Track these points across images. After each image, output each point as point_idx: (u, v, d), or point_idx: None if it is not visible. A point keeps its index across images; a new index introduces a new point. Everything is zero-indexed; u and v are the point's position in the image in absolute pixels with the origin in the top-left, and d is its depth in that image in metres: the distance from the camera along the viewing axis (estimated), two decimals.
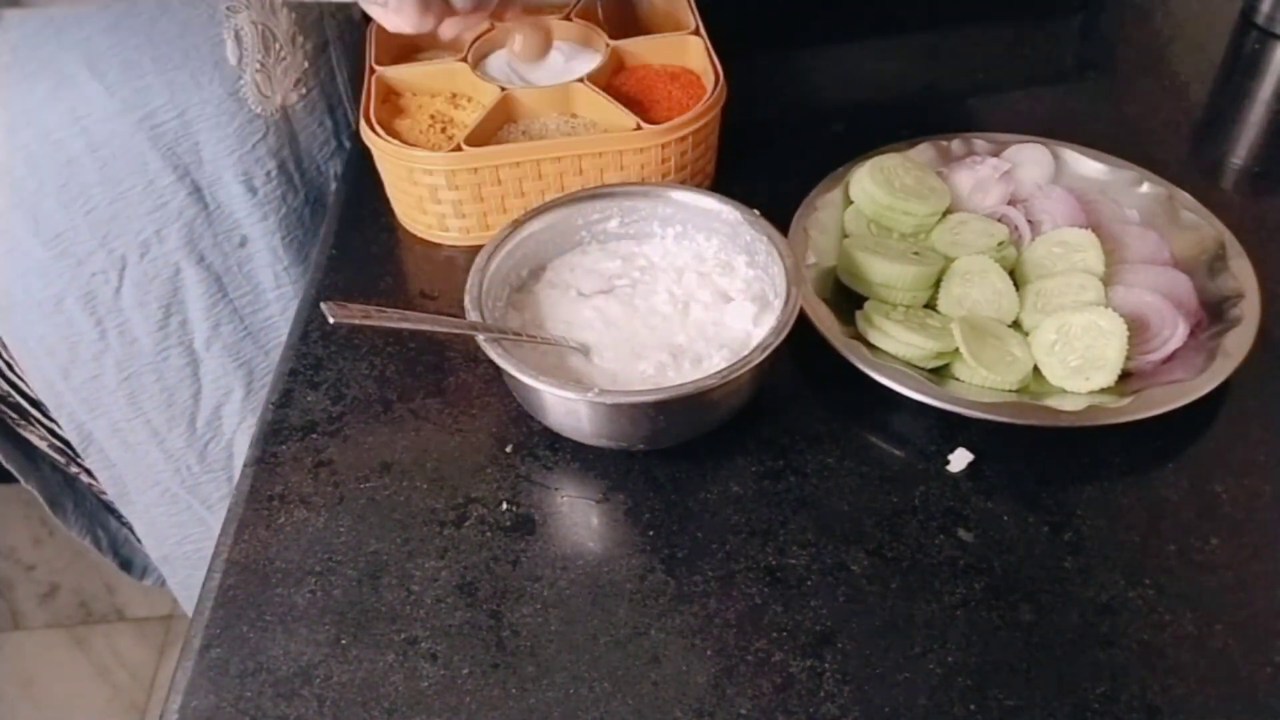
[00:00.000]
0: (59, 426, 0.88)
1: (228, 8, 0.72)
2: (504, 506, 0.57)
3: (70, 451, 0.91)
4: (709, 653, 0.51)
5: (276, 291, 0.83)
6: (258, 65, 0.74)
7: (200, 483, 0.90)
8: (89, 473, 0.92)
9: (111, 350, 0.80)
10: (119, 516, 1.00)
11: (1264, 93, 0.88)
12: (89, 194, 0.73)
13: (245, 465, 0.60)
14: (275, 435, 0.61)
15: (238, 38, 0.72)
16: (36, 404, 0.87)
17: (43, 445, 0.92)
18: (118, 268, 0.77)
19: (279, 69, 0.76)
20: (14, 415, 0.89)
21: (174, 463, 0.88)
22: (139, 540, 1.01)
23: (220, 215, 0.78)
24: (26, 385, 0.85)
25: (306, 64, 0.79)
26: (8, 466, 0.91)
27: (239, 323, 0.83)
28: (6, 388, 0.86)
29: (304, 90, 0.80)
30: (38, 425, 0.89)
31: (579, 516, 0.57)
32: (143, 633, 1.72)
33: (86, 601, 1.75)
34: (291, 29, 0.76)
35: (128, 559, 1.06)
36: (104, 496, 0.97)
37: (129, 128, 0.71)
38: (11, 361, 0.83)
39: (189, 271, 0.79)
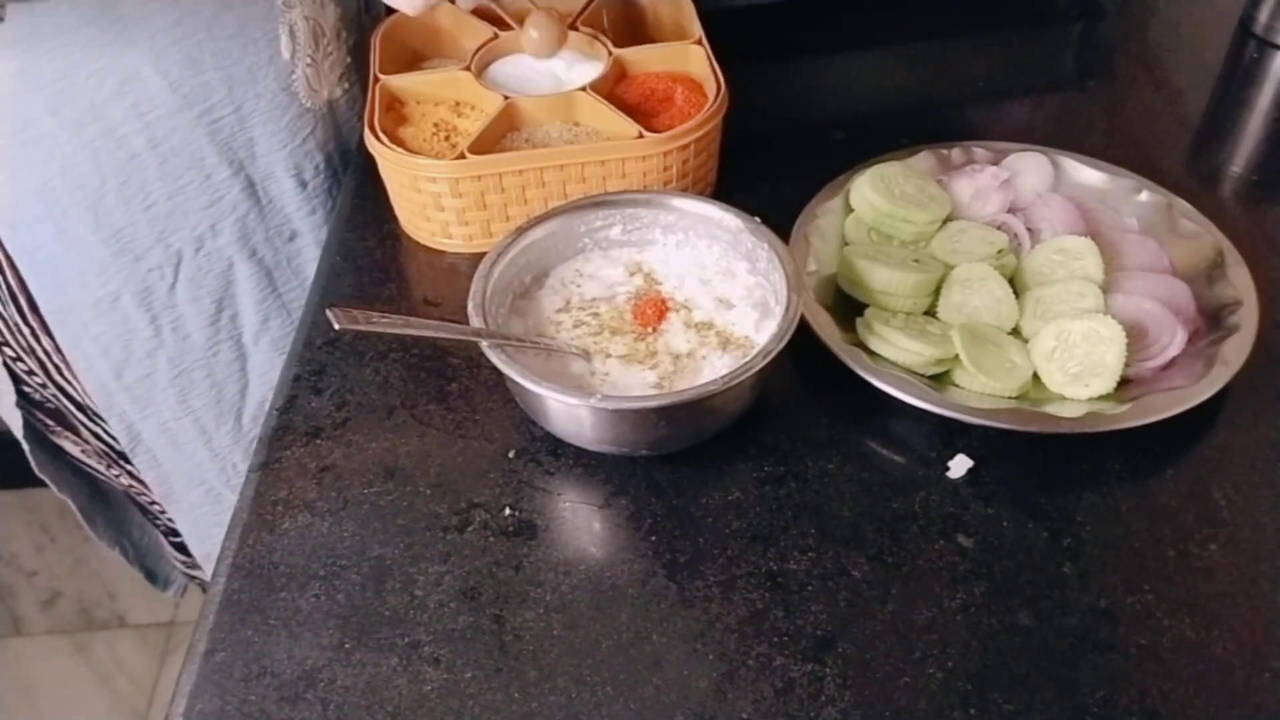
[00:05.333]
0: (104, 430, 0.88)
1: (284, 3, 0.73)
2: (507, 512, 0.58)
3: (112, 455, 0.91)
4: (710, 657, 0.51)
5: None
6: (308, 60, 0.76)
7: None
8: (132, 475, 0.92)
9: (165, 346, 0.82)
10: (154, 519, 1.00)
11: (1262, 102, 0.89)
12: (149, 190, 0.74)
13: (250, 470, 0.60)
14: (280, 440, 0.62)
15: (292, 33, 0.74)
16: (83, 408, 0.88)
17: (76, 451, 0.93)
18: (173, 263, 0.78)
19: (326, 63, 0.78)
20: (49, 422, 0.90)
21: (220, 460, 0.89)
22: (175, 547, 1.02)
23: (272, 210, 0.80)
24: (75, 388, 0.86)
25: (349, 59, 0.81)
26: (41, 475, 0.92)
27: (286, 316, 0.85)
28: (54, 392, 0.87)
29: (347, 85, 0.82)
30: (83, 429, 0.90)
31: (581, 522, 0.58)
32: (144, 639, 1.72)
33: (88, 608, 1.75)
34: (337, 24, 0.78)
35: (152, 570, 1.07)
36: (141, 498, 0.97)
37: (189, 123, 0.73)
38: (61, 365, 0.84)
39: (241, 266, 0.80)
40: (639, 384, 0.59)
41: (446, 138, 0.74)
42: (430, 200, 0.71)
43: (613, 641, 0.52)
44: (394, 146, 0.70)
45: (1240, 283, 0.65)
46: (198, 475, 0.90)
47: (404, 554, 0.56)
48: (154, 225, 0.76)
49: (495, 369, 0.56)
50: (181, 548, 1.01)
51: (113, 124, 0.71)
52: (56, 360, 0.83)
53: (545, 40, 0.75)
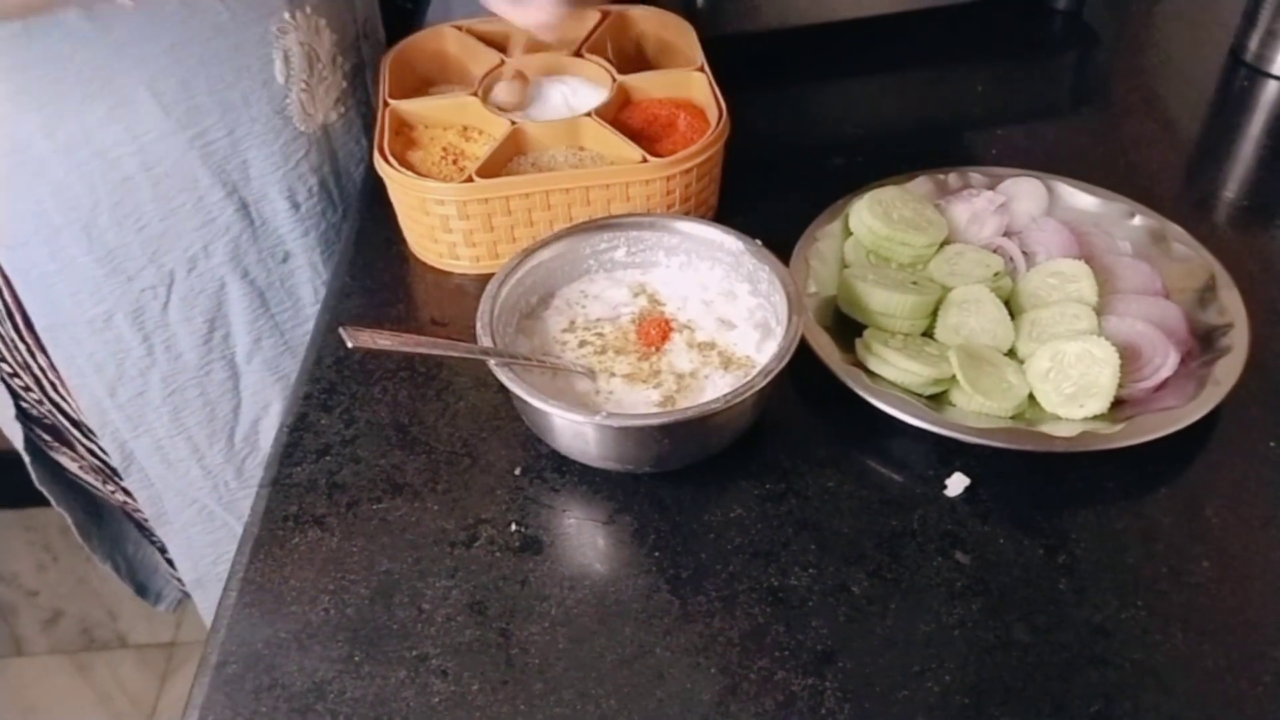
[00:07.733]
0: (99, 448, 0.89)
1: (278, 29, 0.74)
2: (513, 527, 0.59)
3: (107, 471, 0.92)
4: (713, 671, 0.52)
5: (316, 306, 0.84)
6: (303, 85, 0.77)
7: (237, 498, 0.92)
8: (127, 491, 0.93)
9: (158, 365, 0.82)
10: (150, 535, 1.01)
11: (1253, 128, 0.90)
12: (141, 211, 0.75)
13: (260, 486, 0.61)
14: (290, 457, 0.63)
15: (286, 58, 0.75)
16: (78, 425, 0.88)
17: (74, 467, 0.93)
18: (166, 283, 0.79)
19: (321, 88, 0.79)
20: (47, 438, 0.91)
21: (212, 479, 0.90)
22: (169, 563, 1.02)
23: (265, 231, 0.81)
24: (70, 405, 0.86)
25: (345, 84, 0.83)
26: (41, 489, 0.92)
27: (279, 336, 0.85)
28: (49, 408, 0.87)
29: (343, 109, 0.83)
30: (78, 445, 0.91)
31: (586, 537, 0.59)
32: (145, 660, 1.72)
33: (89, 628, 1.75)
34: (333, 50, 0.79)
35: (143, 584, 1.08)
36: (137, 515, 0.98)
37: (182, 146, 0.74)
38: (56, 381, 0.85)
39: (233, 286, 0.81)
40: (643, 402, 0.61)
41: (454, 161, 0.76)
42: (438, 222, 0.73)
43: (617, 655, 0.53)
44: (403, 170, 0.72)
45: (1231, 305, 0.66)
46: (190, 494, 0.91)
47: (412, 569, 0.57)
48: (147, 246, 0.77)
49: (501, 388, 0.57)
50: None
51: (105, 147, 0.72)
52: (51, 377, 0.84)
53: (510, 100, 0.79)
